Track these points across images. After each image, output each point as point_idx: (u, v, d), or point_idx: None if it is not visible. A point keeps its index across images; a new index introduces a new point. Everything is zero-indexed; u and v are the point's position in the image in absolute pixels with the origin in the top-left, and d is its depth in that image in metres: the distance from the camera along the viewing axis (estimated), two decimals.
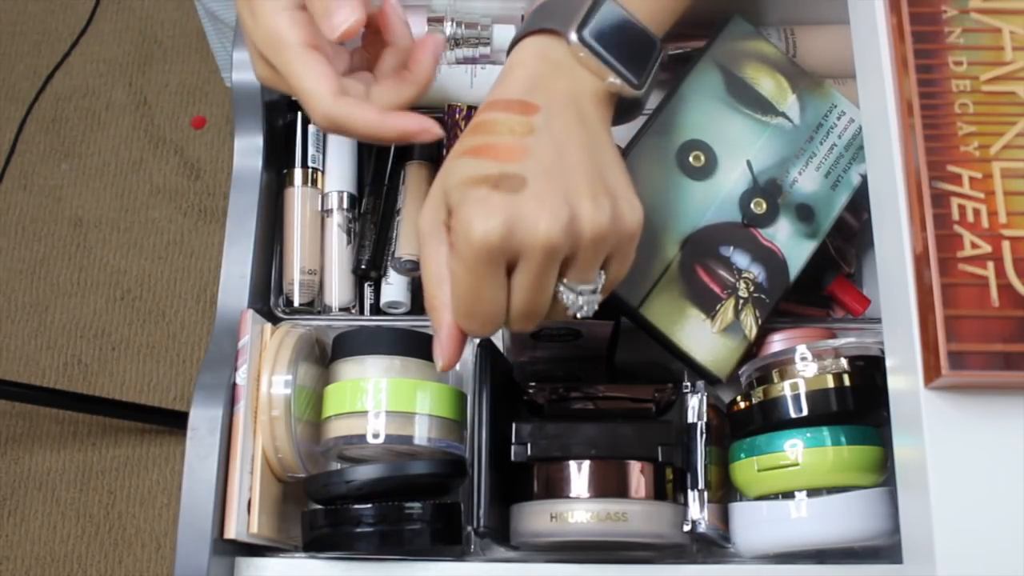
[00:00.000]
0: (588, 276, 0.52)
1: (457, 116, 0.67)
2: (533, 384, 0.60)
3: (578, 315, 0.53)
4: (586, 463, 0.56)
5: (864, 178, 0.64)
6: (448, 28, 0.70)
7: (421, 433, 0.57)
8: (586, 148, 0.53)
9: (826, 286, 0.68)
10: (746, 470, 0.58)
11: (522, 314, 0.52)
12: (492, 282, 0.51)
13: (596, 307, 0.53)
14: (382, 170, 0.67)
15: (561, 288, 0.52)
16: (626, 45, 0.55)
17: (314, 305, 0.66)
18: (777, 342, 0.62)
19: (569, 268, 0.52)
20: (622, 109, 0.57)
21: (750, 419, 0.59)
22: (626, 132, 0.61)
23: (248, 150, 0.65)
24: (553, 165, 0.51)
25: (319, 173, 0.67)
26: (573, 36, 0.54)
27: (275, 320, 0.63)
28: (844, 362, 0.58)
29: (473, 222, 0.49)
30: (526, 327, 0.53)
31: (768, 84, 0.64)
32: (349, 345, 0.59)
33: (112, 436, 1.43)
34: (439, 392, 0.58)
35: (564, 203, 0.50)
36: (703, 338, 0.61)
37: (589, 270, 0.52)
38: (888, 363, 0.52)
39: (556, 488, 0.56)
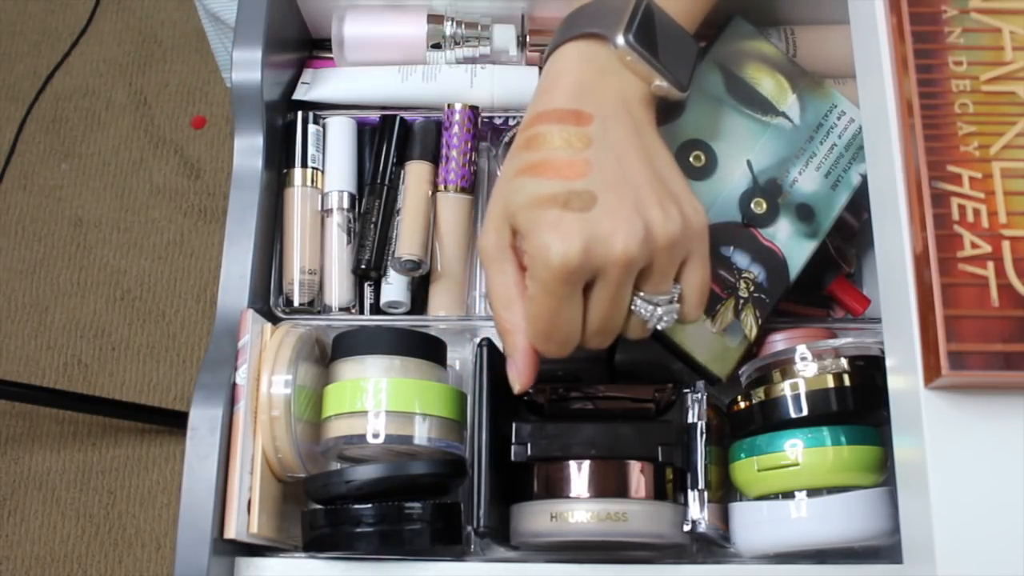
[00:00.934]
0: (664, 287, 0.52)
1: (457, 116, 0.67)
2: (533, 384, 0.60)
3: (659, 327, 0.54)
4: (586, 463, 0.56)
5: (864, 178, 0.64)
6: (448, 28, 0.70)
7: (421, 433, 0.57)
8: (644, 155, 0.53)
9: (826, 286, 0.68)
10: (746, 470, 0.58)
11: (598, 330, 0.53)
12: (570, 303, 0.51)
13: (676, 317, 0.54)
14: (382, 170, 0.67)
15: (639, 302, 0.52)
16: (669, 47, 0.55)
17: (314, 305, 0.66)
18: (777, 342, 0.62)
19: (645, 280, 0.52)
20: (662, 112, 0.57)
21: (750, 419, 0.59)
22: None
23: (248, 150, 0.65)
24: (617, 177, 0.51)
25: (319, 173, 0.67)
26: (620, 39, 0.54)
27: (275, 320, 0.63)
28: (844, 362, 0.58)
29: (551, 246, 0.49)
30: (602, 344, 0.54)
31: (768, 84, 0.64)
32: (349, 345, 0.59)
33: (112, 436, 1.43)
34: (439, 392, 0.58)
35: (636, 215, 0.50)
36: (703, 338, 0.61)
37: (664, 280, 0.52)
38: (888, 363, 0.52)
39: (556, 488, 0.56)
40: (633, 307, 0.53)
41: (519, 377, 0.54)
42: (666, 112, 0.58)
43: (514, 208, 0.51)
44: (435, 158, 0.68)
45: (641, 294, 0.52)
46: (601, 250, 0.49)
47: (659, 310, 0.53)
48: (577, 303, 0.51)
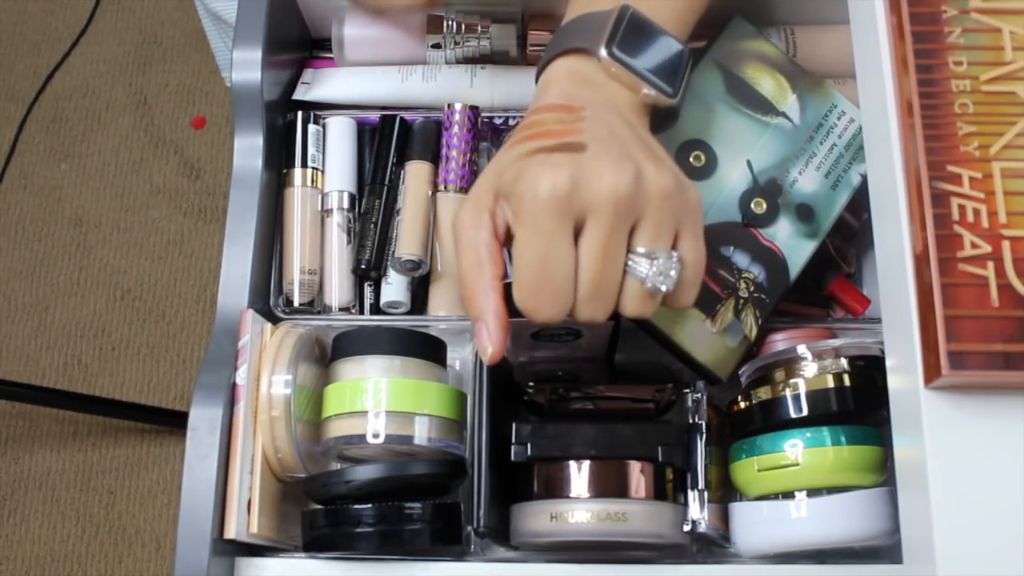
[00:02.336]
0: (660, 241, 0.50)
1: (457, 116, 0.67)
2: (533, 384, 0.60)
3: (662, 288, 0.49)
4: (586, 463, 0.56)
5: (864, 178, 0.64)
6: (448, 28, 0.70)
7: (421, 433, 0.57)
8: (637, 138, 0.52)
9: (826, 286, 0.68)
10: (746, 470, 0.58)
11: (593, 289, 0.49)
12: (560, 243, 0.48)
13: (676, 280, 0.50)
14: (382, 170, 0.67)
15: (634, 258, 0.50)
16: (655, 55, 0.55)
17: (314, 305, 0.66)
18: (777, 342, 0.62)
19: (639, 233, 0.49)
20: (658, 118, 0.57)
21: (750, 419, 0.59)
22: None
23: (248, 150, 0.65)
24: (609, 138, 0.51)
25: (319, 173, 0.67)
26: (603, 52, 0.54)
27: (275, 320, 0.63)
28: (844, 362, 0.58)
29: (540, 178, 0.48)
30: (596, 313, 0.50)
31: (768, 84, 0.64)
32: (349, 345, 0.59)
33: (112, 436, 1.43)
34: (439, 392, 0.58)
35: (627, 159, 0.49)
36: (703, 338, 0.61)
37: (661, 234, 0.50)
38: (888, 363, 0.52)
39: (556, 488, 0.56)
40: (629, 264, 0.50)
41: (491, 339, 0.50)
42: (661, 119, 0.58)
43: (502, 168, 0.51)
44: (435, 158, 0.68)
45: (638, 250, 0.50)
46: (589, 186, 0.48)
47: (656, 263, 0.49)
48: (567, 244, 0.48)
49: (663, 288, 0.50)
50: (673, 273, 0.50)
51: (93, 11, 1.68)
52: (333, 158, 0.68)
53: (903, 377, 0.48)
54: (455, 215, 0.52)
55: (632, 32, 0.55)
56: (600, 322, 0.51)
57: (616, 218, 0.48)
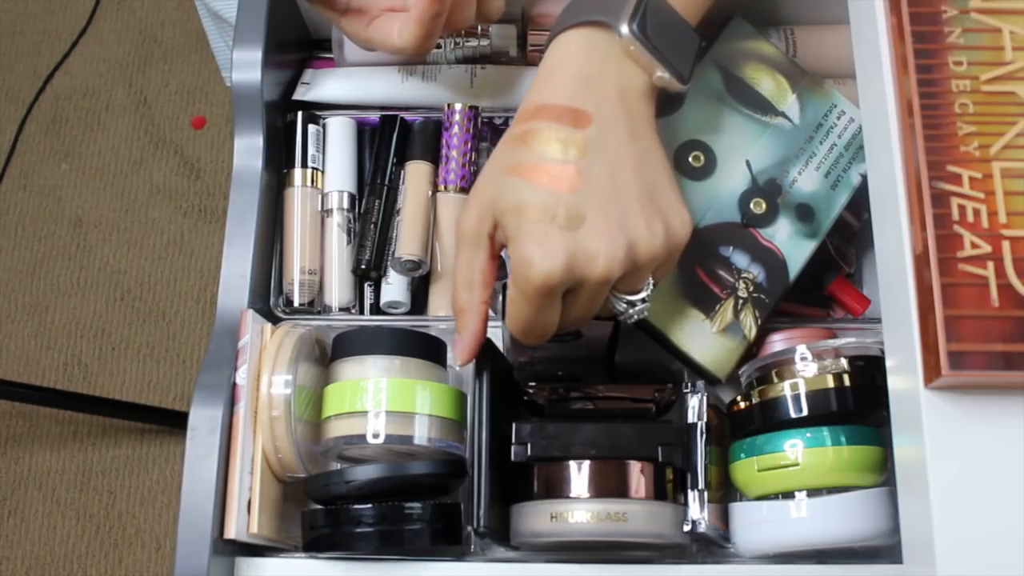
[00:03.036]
0: (639, 288, 0.54)
1: (457, 116, 0.67)
2: (533, 384, 0.60)
3: (629, 322, 0.56)
4: (586, 463, 0.56)
5: (864, 178, 0.64)
6: None
7: (421, 433, 0.57)
8: (638, 166, 0.54)
9: (826, 286, 0.68)
10: (746, 470, 0.58)
11: (571, 324, 0.55)
12: (548, 310, 0.52)
13: (647, 314, 0.56)
14: (382, 170, 0.67)
15: (613, 299, 0.54)
16: (672, 39, 0.56)
17: (314, 305, 0.66)
18: (777, 342, 0.62)
19: (624, 282, 0.54)
20: (662, 105, 0.57)
21: (750, 419, 0.59)
22: None
23: (248, 150, 0.65)
24: (609, 193, 0.52)
25: (319, 173, 0.67)
26: (625, 28, 0.54)
27: (275, 320, 0.63)
28: (844, 362, 0.58)
29: (534, 259, 0.50)
30: (575, 328, 0.56)
31: (768, 84, 0.64)
32: (349, 345, 0.59)
33: (112, 436, 1.43)
34: (439, 392, 0.58)
35: (621, 234, 0.52)
36: (703, 338, 0.61)
37: (640, 283, 0.54)
38: (888, 363, 0.52)
39: (556, 488, 0.56)
40: (609, 299, 0.54)
41: (463, 355, 0.56)
42: (666, 105, 0.58)
43: (503, 207, 0.52)
44: (435, 158, 0.68)
45: (616, 293, 0.54)
46: (583, 267, 0.51)
47: (632, 309, 0.55)
48: (555, 309, 0.53)
49: (635, 319, 0.56)
50: (646, 312, 0.55)
51: (93, 11, 1.68)
52: (333, 158, 0.68)
53: (903, 377, 0.48)
54: (459, 218, 0.55)
55: (653, 13, 0.55)
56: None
57: (603, 288, 0.53)
